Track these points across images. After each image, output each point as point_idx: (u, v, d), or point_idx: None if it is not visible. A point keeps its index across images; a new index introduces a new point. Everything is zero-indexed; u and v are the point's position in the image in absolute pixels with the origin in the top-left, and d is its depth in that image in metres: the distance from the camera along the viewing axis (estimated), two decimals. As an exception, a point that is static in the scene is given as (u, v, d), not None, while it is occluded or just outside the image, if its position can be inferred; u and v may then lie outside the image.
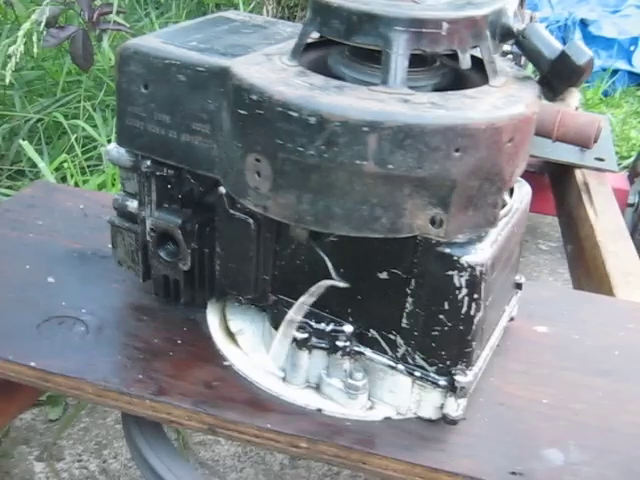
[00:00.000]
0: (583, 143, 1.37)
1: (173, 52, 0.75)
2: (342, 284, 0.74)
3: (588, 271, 1.30)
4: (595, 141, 1.37)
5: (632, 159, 2.16)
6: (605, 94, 3.10)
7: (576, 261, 1.42)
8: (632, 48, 3.31)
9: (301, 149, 0.65)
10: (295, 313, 0.76)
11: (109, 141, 1.83)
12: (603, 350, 0.91)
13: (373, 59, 0.71)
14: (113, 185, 1.72)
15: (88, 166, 1.80)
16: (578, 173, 1.60)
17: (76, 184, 1.67)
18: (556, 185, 1.73)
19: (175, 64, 0.75)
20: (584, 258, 1.34)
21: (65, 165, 1.66)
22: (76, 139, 1.79)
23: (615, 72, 3.19)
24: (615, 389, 0.84)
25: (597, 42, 3.22)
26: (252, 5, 2.49)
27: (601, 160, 1.67)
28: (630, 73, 3.28)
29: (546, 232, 2.05)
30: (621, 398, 0.83)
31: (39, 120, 1.92)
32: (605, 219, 1.38)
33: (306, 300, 0.75)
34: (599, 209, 1.42)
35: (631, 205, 1.84)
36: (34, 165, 1.83)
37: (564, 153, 1.63)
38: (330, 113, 0.63)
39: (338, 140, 0.64)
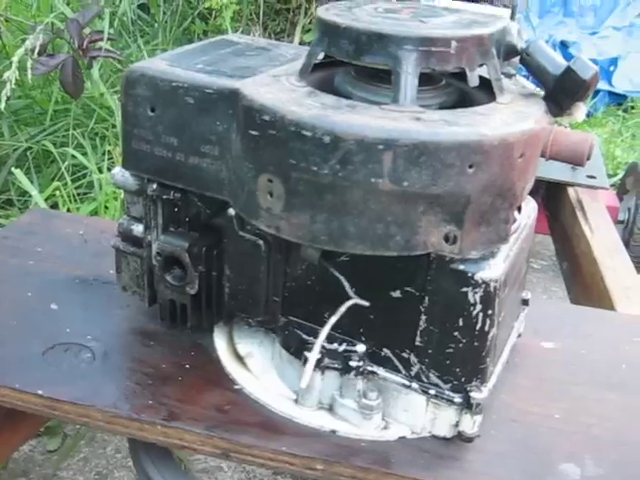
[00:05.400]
0: (576, 161, 1.37)
1: (180, 75, 0.75)
2: (364, 302, 0.73)
3: (586, 287, 1.30)
4: (588, 159, 1.38)
5: (619, 176, 2.19)
6: (587, 114, 3.14)
7: (573, 278, 1.43)
8: (612, 68, 3.36)
9: (315, 168, 0.65)
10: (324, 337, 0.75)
11: (99, 169, 1.82)
12: (610, 364, 0.91)
13: (380, 79, 0.72)
14: (105, 213, 1.71)
15: (78, 194, 1.79)
16: (571, 191, 1.62)
17: (68, 212, 1.66)
18: (548, 204, 1.74)
19: (183, 86, 0.75)
20: (581, 275, 1.35)
21: (57, 193, 1.65)
22: (65, 167, 1.78)
23: (596, 92, 3.23)
24: (626, 402, 0.85)
25: (576, 61, 3.27)
26: (239, 31, 2.51)
27: (593, 178, 1.69)
28: (610, 93, 3.33)
29: (537, 250, 2.06)
30: (632, 411, 0.83)
31: (27, 149, 1.91)
32: (601, 235, 1.39)
33: (333, 321, 0.75)
34: (594, 225, 1.43)
35: (621, 222, 1.85)
36: (22, 194, 1.82)
37: (556, 172, 1.64)
38: (345, 132, 0.63)
39: (353, 159, 0.64)
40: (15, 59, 1.52)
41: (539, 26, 3.49)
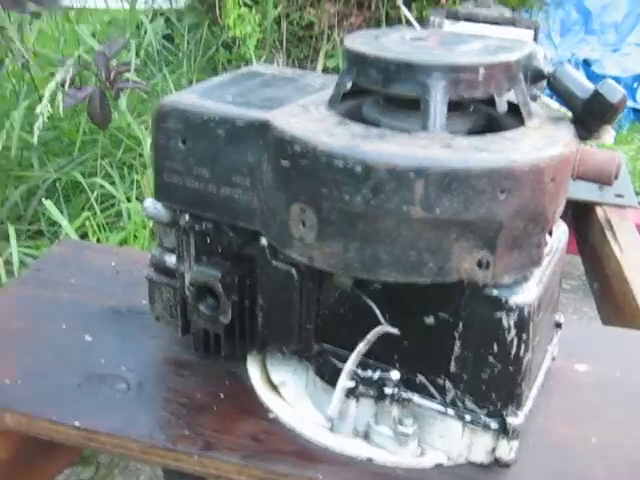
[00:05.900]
0: (604, 180, 1.37)
1: (211, 108, 0.76)
2: (395, 330, 0.74)
3: (618, 307, 1.29)
4: (616, 178, 1.37)
5: (647, 194, 2.17)
6: (612, 132, 3.12)
7: (604, 298, 1.41)
8: (635, 85, 3.35)
9: (347, 197, 0.66)
10: (353, 363, 0.76)
11: (128, 198, 1.84)
12: (646, 386, 0.90)
13: (409, 106, 0.72)
14: (134, 242, 1.73)
15: (107, 223, 1.81)
16: (599, 210, 1.61)
17: (98, 241, 1.68)
18: (577, 224, 1.73)
19: (213, 119, 0.75)
20: (613, 295, 1.34)
21: (86, 223, 1.67)
22: (94, 197, 1.81)
23: (620, 109, 3.22)
24: (663, 425, 0.84)
25: (601, 81, 3.26)
26: (263, 59, 2.53)
27: (621, 196, 1.68)
28: (635, 110, 3.31)
29: (567, 271, 2.05)
30: (671, 434, 0.82)
31: (57, 179, 1.94)
32: (631, 254, 1.38)
33: (362, 348, 0.75)
34: (624, 245, 1.42)
35: (650, 240, 1.84)
36: (52, 224, 1.84)
37: (583, 191, 1.64)
38: (376, 161, 0.64)
39: (384, 187, 0.64)
40: (47, 93, 1.54)
41: (561, 44, 3.49)
